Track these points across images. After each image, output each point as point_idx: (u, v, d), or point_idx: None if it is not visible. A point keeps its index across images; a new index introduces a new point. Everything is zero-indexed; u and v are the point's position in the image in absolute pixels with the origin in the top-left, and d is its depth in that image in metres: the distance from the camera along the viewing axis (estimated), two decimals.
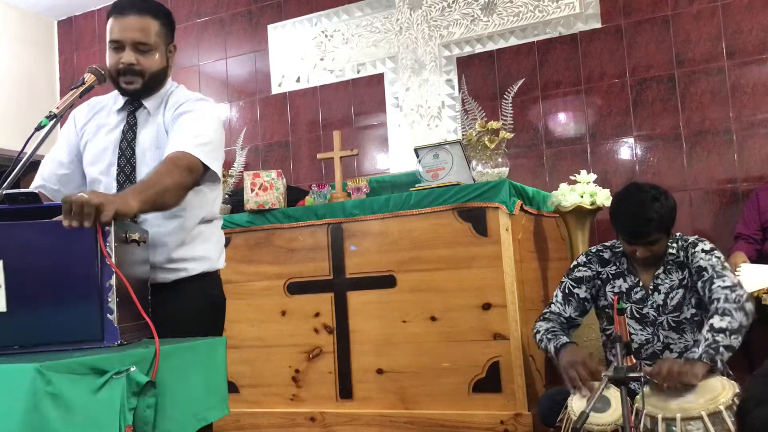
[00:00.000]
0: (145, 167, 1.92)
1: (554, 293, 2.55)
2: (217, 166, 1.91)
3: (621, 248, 2.45)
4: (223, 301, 2.11)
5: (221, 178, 2.02)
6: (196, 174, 1.82)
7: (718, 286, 2.21)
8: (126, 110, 2.00)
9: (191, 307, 1.94)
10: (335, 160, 3.57)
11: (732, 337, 2.08)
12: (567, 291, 2.51)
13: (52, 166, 2.05)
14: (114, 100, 2.05)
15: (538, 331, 2.44)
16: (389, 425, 3.00)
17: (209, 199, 2.04)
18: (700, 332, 2.31)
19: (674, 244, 2.39)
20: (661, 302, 2.37)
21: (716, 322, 2.10)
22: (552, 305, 2.52)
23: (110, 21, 1.92)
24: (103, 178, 1.97)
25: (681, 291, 2.35)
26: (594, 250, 2.54)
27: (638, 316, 2.38)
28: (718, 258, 2.32)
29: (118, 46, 1.90)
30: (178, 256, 1.94)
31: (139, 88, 1.94)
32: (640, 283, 2.41)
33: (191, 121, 1.89)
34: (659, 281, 2.38)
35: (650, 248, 2.32)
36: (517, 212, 2.98)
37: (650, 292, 2.38)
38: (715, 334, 2.08)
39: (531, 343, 3.01)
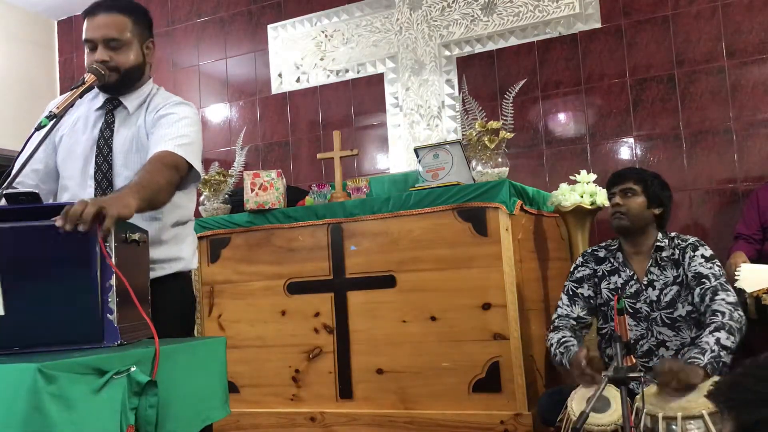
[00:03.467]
0: (123, 168, 1.95)
1: (559, 298, 2.58)
2: (199, 166, 1.96)
3: (615, 245, 2.53)
4: (194, 300, 2.20)
5: (201, 178, 2.09)
6: (182, 172, 1.88)
7: (723, 300, 2.23)
8: (105, 108, 2.02)
9: (166, 306, 1.96)
10: (335, 160, 3.57)
11: (730, 357, 2.13)
12: (571, 292, 2.55)
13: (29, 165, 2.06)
14: (93, 96, 2.06)
15: (552, 344, 2.45)
16: (389, 425, 3.00)
17: (184, 202, 2.09)
18: (697, 330, 2.34)
19: (665, 240, 2.45)
20: (654, 298, 2.40)
21: (723, 338, 2.12)
22: (559, 309, 2.55)
23: (84, 23, 1.96)
24: (78, 175, 1.98)
25: (675, 288, 2.39)
26: (590, 251, 2.61)
27: (632, 311, 2.41)
28: (720, 267, 2.36)
29: (92, 46, 1.94)
30: (155, 256, 1.96)
31: (114, 82, 1.96)
32: (635, 277, 2.45)
33: (173, 122, 1.94)
34: (653, 276, 2.42)
35: (624, 199, 2.45)
36: (517, 212, 2.98)
37: (644, 286, 2.42)
38: (721, 350, 2.10)
39: (531, 343, 3.01)
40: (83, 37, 1.96)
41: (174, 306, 2.03)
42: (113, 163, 1.95)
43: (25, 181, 2.02)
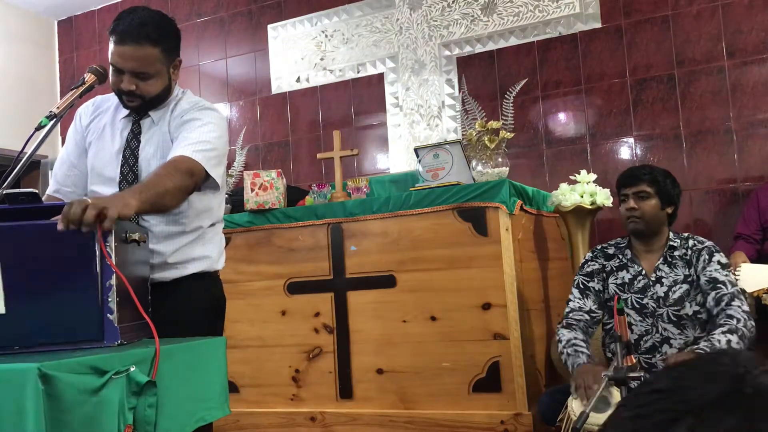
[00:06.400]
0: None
1: (570, 293, 2.57)
2: (217, 174, 1.91)
3: (624, 243, 2.54)
4: (223, 302, 2.13)
5: (221, 186, 2.02)
6: (197, 178, 1.83)
7: (739, 307, 2.27)
8: (131, 118, 2.00)
9: (190, 306, 1.95)
10: (335, 160, 3.57)
11: None
12: (582, 286, 2.54)
13: (63, 168, 2.06)
14: (119, 102, 2.05)
15: (560, 341, 2.43)
16: (389, 425, 3.00)
17: (213, 204, 2.05)
18: (701, 331, 2.35)
19: (677, 240, 2.47)
20: (662, 294, 2.41)
21: (734, 341, 2.15)
22: (570, 303, 2.53)
23: (110, 42, 1.89)
24: (105, 183, 1.97)
25: (685, 286, 2.40)
26: (599, 247, 2.62)
27: (638, 306, 2.42)
28: (734, 277, 2.43)
29: (118, 70, 1.89)
30: (178, 256, 1.95)
31: (140, 106, 1.95)
32: (643, 272, 2.46)
33: (196, 127, 1.90)
34: (662, 273, 2.44)
35: (638, 202, 2.43)
36: (517, 212, 2.98)
37: (652, 282, 2.43)
38: None
39: (531, 343, 3.01)
40: (109, 59, 1.89)
41: (198, 307, 1.99)
42: (139, 172, 1.94)
43: (61, 189, 2.03)
